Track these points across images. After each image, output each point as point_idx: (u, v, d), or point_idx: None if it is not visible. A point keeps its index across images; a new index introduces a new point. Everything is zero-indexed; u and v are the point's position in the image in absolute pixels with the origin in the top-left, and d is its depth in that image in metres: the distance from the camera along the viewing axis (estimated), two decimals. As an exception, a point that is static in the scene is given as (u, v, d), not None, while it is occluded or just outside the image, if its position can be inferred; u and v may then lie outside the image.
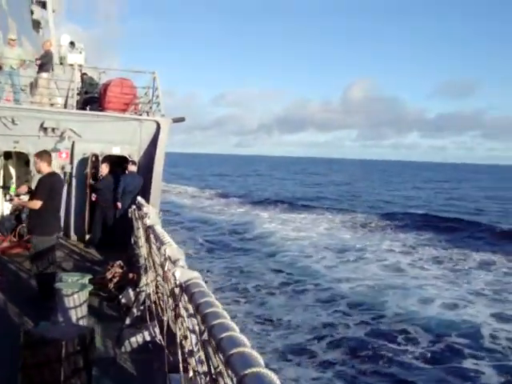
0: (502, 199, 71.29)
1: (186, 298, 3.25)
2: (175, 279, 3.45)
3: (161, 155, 15.14)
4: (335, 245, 30.28)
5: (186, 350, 3.82)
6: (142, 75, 16.77)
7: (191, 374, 3.60)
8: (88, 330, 6.11)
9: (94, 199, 14.86)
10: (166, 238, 5.11)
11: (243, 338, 2.19)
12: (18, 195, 9.93)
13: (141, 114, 16.37)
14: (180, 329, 4.03)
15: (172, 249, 4.34)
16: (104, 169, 14.79)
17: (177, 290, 3.48)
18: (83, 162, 15.28)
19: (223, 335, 2.23)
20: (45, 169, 9.07)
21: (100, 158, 15.23)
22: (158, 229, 6.01)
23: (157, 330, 7.10)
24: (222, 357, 2.20)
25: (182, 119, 16.09)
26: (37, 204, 8.80)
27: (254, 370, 1.86)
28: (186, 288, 3.18)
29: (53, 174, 9.22)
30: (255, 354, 2.03)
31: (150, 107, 16.19)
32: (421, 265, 25.94)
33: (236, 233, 34.67)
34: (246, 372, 1.86)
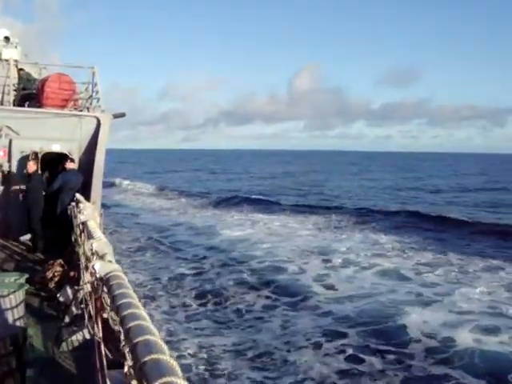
0: (461, 188, 70.18)
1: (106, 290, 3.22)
2: (95, 272, 3.42)
3: (101, 151, 14.93)
4: (316, 248, 26.77)
5: (121, 344, 3.78)
6: (82, 70, 16.52)
7: (126, 368, 3.57)
8: (21, 329, 6.01)
9: (21, 198, 14.42)
10: (97, 233, 5.04)
11: (151, 327, 2.18)
12: None
13: (81, 110, 16.07)
14: (116, 324, 3.98)
15: (99, 243, 4.29)
16: (31, 166, 14.33)
17: (97, 283, 3.45)
18: (24, 159, 14.93)
19: (131, 324, 2.22)
20: None
21: (39, 156, 14.91)
22: (91, 224, 5.94)
23: (96, 326, 7.00)
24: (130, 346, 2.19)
25: (122, 115, 15.89)
26: None
27: (154, 356, 1.86)
28: (105, 281, 3.15)
29: None
30: (160, 342, 2.03)
31: (90, 103, 15.93)
32: (420, 270, 22.32)
33: (205, 239, 30.20)
34: (146, 359, 1.85)
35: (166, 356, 1.89)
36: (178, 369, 1.79)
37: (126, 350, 3.34)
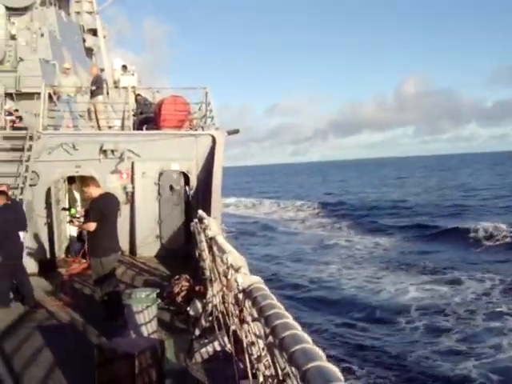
0: None
1: (249, 303, 3.34)
2: (238, 285, 3.54)
3: (218, 168, 15.37)
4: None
5: (255, 355, 3.89)
6: (194, 92, 17.16)
7: (261, 379, 3.66)
8: (158, 342, 6.27)
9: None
10: (228, 247, 5.20)
11: (305, 335, 2.25)
12: (78, 217, 10.09)
13: (196, 130, 16.70)
14: (247, 336, 4.11)
15: (234, 257, 4.43)
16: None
17: (240, 296, 3.57)
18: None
19: (286, 334, 2.29)
20: (95, 193, 9.14)
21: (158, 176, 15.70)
22: (220, 239, 6.11)
23: (226, 338, 7.18)
24: (285, 355, 2.26)
25: (236, 131, 16.29)
26: (90, 226, 8.89)
27: (316, 363, 1.92)
28: (248, 293, 3.26)
29: (104, 196, 9.30)
30: (317, 349, 2.09)
31: (205, 122, 16.50)
32: None
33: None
34: (309, 366, 1.91)
35: (327, 363, 1.95)
36: (341, 375, 1.85)
37: (265, 360, 3.44)
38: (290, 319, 2.51)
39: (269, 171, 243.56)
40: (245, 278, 3.51)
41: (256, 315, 3.23)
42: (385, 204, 57.41)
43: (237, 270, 4.18)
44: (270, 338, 2.80)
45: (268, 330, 2.75)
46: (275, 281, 24.20)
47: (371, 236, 38.03)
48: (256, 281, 3.33)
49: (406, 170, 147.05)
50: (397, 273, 26.04)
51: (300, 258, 31.81)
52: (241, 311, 3.61)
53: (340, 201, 62.59)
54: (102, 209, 9.00)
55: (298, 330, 2.36)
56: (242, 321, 3.66)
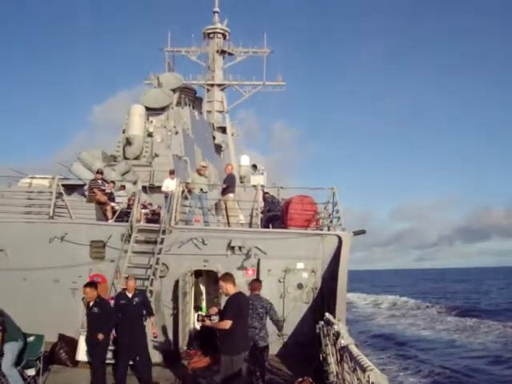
0: None
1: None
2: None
3: (344, 269, 15.26)
4: None
5: None
6: (320, 191, 17.47)
7: None
8: None
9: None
10: (365, 360, 5.11)
11: None
12: (208, 316, 10.26)
13: (322, 229, 16.85)
14: None
15: (376, 375, 4.35)
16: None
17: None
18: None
19: None
20: (231, 290, 9.35)
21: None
22: (354, 349, 6.03)
23: None
24: None
25: (362, 232, 16.25)
26: (227, 324, 8.94)
27: None
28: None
29: (239, 294, 9.52)
30: None
31: (331, 221, 16.62)
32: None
33: None
34: None
35: None
36: None
37: None
38: None
39: (398, 275, 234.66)
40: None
41: None
42: None
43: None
44: None
45: None
46: None
47: None
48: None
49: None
50: None
51: None
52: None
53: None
54: (240, 307, 9.19)
55: None
56: None
